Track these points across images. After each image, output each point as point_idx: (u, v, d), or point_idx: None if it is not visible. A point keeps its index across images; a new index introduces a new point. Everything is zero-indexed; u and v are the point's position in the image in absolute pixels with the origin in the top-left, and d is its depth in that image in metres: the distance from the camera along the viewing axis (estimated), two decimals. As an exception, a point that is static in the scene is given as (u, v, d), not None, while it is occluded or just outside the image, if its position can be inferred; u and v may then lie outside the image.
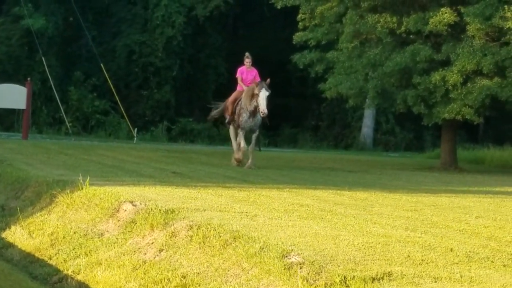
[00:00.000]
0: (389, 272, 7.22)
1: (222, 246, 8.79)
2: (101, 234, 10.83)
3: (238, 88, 19.12)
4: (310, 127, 39.72)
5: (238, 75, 19.11)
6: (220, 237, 8.97)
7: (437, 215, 11.31)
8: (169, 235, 9.67)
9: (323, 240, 8.54)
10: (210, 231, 9.20)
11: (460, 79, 21.24)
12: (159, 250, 9.51)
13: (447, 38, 22.17)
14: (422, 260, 7.74)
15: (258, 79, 18.52)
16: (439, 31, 21.68)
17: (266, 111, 17.83)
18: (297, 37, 24.73)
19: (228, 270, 8.36)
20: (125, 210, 11.03)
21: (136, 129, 32.10)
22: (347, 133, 39.40)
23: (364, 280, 7.08)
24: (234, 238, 8.78)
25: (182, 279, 8.60)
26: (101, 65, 32.09)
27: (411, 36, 22.63)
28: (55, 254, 10.72)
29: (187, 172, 16.57)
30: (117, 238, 10.43)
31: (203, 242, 9.08)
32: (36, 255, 10.98)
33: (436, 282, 7.01)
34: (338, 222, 9.94)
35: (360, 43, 23.53)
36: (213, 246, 8.90)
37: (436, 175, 21.14)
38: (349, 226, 9.64)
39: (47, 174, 14.52)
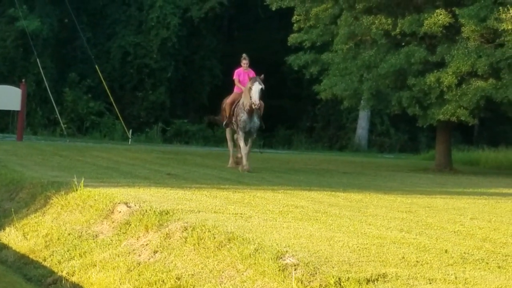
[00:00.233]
0: (384, 273, 7.21)
1: (217, 247, 8.78)
2: (96, 235, 10.81)
3: (236, 89, 18.87)
4: (305, 129, 39.74)
5: (235, 77, 18.89)
6: (214, 238, 8.96)
7: (432, 216, 11.32)
8: (163, 236, 9.66)
9: (317, 241, 8.54)
10: (204, 232, 9.19)
11: (455, 81, 21.27)
12: (154, 252, 9.50)
13: (442, 39, 22.19)
14: (417, 261, 7.74)
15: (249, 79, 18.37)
16: (434, 32, 21.70)
17: (257, 101, 17.60)
18: (292, 38, 24.74)
19: (223, 272, 8.35)
20: (120, 212, 11.02)
21: (131, 131, 32.07)
22: (342, 135, 39.43)
23: (358, 281, 7.08)
24: (229, 240, 8.77)
25: (176, 280, 8.59)
26: (96, 66, 32.06)
27: (406, 37, 22.65)
28: (50, 256, 10.70)
29: (181, 174, 16.56)
30: (111, 240, 10.42)
31: (198, 244, 9.07)
32: (31, 256, 10.96)
33: (430, 283, 7.01)
34: (333, 224, 9.94)
35: (355, 45, 23.55)
36: (207, 248, 8.89)
37: (431, 177, 21.16)
38: (343, 228, 9.64)
39: (42, 175, 14.49)
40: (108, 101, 33.30)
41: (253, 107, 17.79)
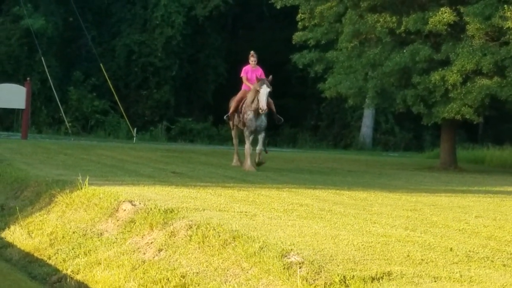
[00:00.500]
0: (389, 271, 7.20)
1: (222, 245, 8.78)
2: (100, 233, 10.82)
3: (244, 87, 18.59)
4: (309, 127, 39.73)
5: (243, 75, 18.56)
6: (219, 236, 8.96)
7: (437, 214, 11.30)
8: (168, 234, 9.66)
9: (322, 239, 8.53)
10: (209, 230, 9.18)
11: (459, 79, 21.23)
12: (159, 250, 9.50)
13: (447, 37, 22.16)
14: (422, 259, 7.73)
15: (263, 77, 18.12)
16: (439, 30, 21.67)
17: (265, 107, 17.47)
18: (297, 37, 24.72)
19: (228, 270, 8.35)
20: (125, 210, 11.02)
21: (135, 129, 32.10)
22: (347, 133, 39.41)
23: (363, 279, 7.07)
24: (234, 238, 8.76)
25: (181, 278, 8.59)
26: (101, 65, 32.09)
27: (410, 36, 22.62)
28: (54, 254, 10.71)
29: (186, 172, 16.56)
30: (116, 238, 10.42)
31: (203, 242, 9.07)
32: (35, 254, 10.97)
33: (435, 281, 7.00)
34: (338, 222, 9.93)
35: (359, 43, 23.53)
36: (212, 246, 8.89)
37: (436, 175, 21.13)
38: (348, 226, 9.63)
39: (47, 174, 14.51)
40: (112, 99, 33.34)
41: (261, 112, 17.66)
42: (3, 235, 12.14)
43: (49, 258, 10.67)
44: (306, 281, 7.35)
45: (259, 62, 18.60)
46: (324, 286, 7.20)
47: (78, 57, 37.24)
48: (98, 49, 34.82)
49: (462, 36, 21.79)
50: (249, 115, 17.93)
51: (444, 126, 24.31)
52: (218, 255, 8.67)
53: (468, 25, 21.16)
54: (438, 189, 15.98)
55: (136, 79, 37.46)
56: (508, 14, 20.52)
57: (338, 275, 7.18)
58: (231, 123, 19.08)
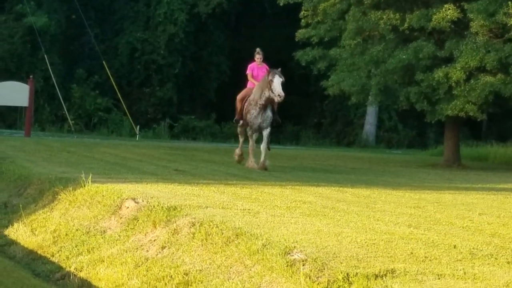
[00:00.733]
0: (392, 269, 7.19)
1: (225, 243, 8.77)
2: (104, 231, 10.82)
3: (249, 85, 18.23)
4: (312, 124, 39.72)
5: (248, 72, 18.23)
6: (222, 234, 8.95)
7: (440, 212, 11.28)
8: (171, 232, 9.65)
9: (325, 237, 8.52)
10: (212, 228, 9.18)
11: (463, 76, 21.20)
12: (162, 247, 9.49)
13: (450, 34, 22.13)
14: (425, 257, 7.71)
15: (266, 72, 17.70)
16: (442, 27, 21.64)
17: (283, 93, 16.68)
18: (300, 34, 24.71)
19: (231, 267, 8.34)
20: (128, 207, 11.02)
21: (138, 127, 32.10)
22: (350, 130, 39.39)
23: (367, 277, 7.05)
24: (237, 235, 8.75)
25: (184, 276, 8.58)
26: (104, 62, 32.09)
27: (414, 33, 22.59)
28: (58, 251, 10.71)
29: (189, 170, 16.56)
30: (119, 235, 10.42)
31: (206, 239, 9.06)
32: (39, 252, 10.97)
33: (439, 279, 6.99)
34: (341, 219, 9.91)
35: (363, 40, 23.50)
36: (215, 243, 8.88)
37: (439, 172, 21.11)
38: (351, 223, 9.62)
39: (50, 171, 14.51)
40: (115, 97, 33.34)
41: (278, 99, 16.84)
42: (6, 232, 12.15)
43: (53, 256, 10.67)
44: (309, 278, 7.34)
45: (264, 60, 18.46)
46: (327, 284, 7.18)
47: (81, 54, 37.26)
48: (101, 46, 34.83)
49: (465, 33, 21.75)
50: (252, 113, 17.51)
51: (448, 124, 24.28)
52: (221, 252, 8.66)
53: (472, 22, 21.13)
54: (442, 186, 15.96)
55: (139, 76, 37.48)
56: (512, 11, 20.48)
57: (341, 273, 7.16)
58: (240, 124, 18.38)
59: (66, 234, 11.16)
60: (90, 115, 35.36)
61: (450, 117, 22.56)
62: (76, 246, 10.60)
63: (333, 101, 37.34)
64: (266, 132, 17.73)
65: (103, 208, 11.41)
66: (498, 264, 7.61)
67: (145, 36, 37.21)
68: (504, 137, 33.02)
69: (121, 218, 10.90)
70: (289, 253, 7.85)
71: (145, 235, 10.06)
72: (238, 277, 8.11)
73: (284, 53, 30.39)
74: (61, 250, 10.69)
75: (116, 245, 10.14)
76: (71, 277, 9.77)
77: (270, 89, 17.00)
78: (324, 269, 7.35)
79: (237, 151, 18.94)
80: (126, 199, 11.25)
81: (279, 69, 17.26)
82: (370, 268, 7.23)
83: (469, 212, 11.44)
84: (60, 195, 12.41)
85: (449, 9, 21.35)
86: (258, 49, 18.39)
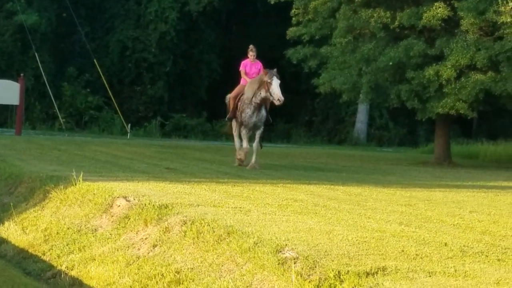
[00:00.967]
0: (383, 266, 7.21)
1: (216, 241, 8.77)
2: (95, 229, 10.80)
3: (242, 82, 18.02)
4: (303, 122, 39.72)
5: (241, 68, 18.07)
6: (214, 232, 8.95)
7: (431, 209, 11.31)
8: (163, 230, 9.65)
9: (317, 235, 8.53)
10: (204, 226, 9.18)
11: (453, 74, 21.25)
12: (153, 246, 9.49)
13: (441, 32, 22.17)
14: (416, 254, 7.73)
15: (263, 72, 17.48)
16: (433, 25, 21.68)
17: (282, 97, 16.70)
18: (291, 32, 24.71)
19: (222, 265, 8.34)
20: (119, 206, 11.01)
21: (129, 125, 32.06)
22: (341, 128, 39.41)
23: (358, 274, 7.07)
24: (228, 233, 8.76)
25: (176, 274, 8.58)
26: (95, 60, 32.03)
27: (404, 31, 22.63)
28: (49, 250, 10.69)
29: (180, 168, 16.54)
30: (110, 234, 10.41)
31: (197, 238, 9.06)
32: (30, 251, 10.95)
33: (430, 276, 7.01)
34: (332, 217, 9.93)
35: (353, 38, 23.52)
36: (207, 242, 8.88)
37: (430, 170, 21.15)
38: (343, 221, 9.63)
39: (41, 169, 14.47)
40: (106, 95, 33.28)
41: (278, 103, 16.85)
42: (-3, 231, 12.12)
43: (44, 254, 10.65)
44: (301, 276, 7.35)
45: (257, 57, 18.41)
46: (319, 281, 7.20)
47: (72, 53, 37.16)
48: (91, 45, 34.74)
49: (456, 31, 21.80)
50: (247, 112, 17.24)
51: (438, 121, 24.33)
52: (213, 250, 8.67)
53: (462, 20, 21.17)
54: (433, 184, 15.99)
55: (130, 75, 37.40)
56: (502, 8, 20.52)
57: (332, 270, 7.18)
58: (233, 123, 18.03)
59: (57, 233, 11.14)
60: (81, 113, 35.28)
61: (440, 115, 22.61)
62: (67, 245, 10.58)
63: (324, 99, 37.34)
64: (259, 132, 17.61)
65: (94, 207, 11.39)
66: (488, 261, 7.64)
67: (136, 34, 37.14)
68: (494, 135, 33.09)
69: (112, 216, 10.89)
70: (280, 251, 7.86)
71: (137, 233, 10.06)
72: (229, 275, 8.11)
73: (275, 51, 30.37)
74: (52, 249, 10.67)
75: (108, 243, 10.13)
76: (62, 275, 9.76)
77: (268, 92, 16.90)
78: (315, 267, 7.36)
79: (236, 160, 18.35)
80: (118, 197, 11.24)
81: (275, 70, 17.17)
82: (361, 266, 7.25)
83: (460, 209, 11.47)
84: (51, 193, 12.39)
85: (440, 7, 21.39)
86: (251, 46, 18.26)
